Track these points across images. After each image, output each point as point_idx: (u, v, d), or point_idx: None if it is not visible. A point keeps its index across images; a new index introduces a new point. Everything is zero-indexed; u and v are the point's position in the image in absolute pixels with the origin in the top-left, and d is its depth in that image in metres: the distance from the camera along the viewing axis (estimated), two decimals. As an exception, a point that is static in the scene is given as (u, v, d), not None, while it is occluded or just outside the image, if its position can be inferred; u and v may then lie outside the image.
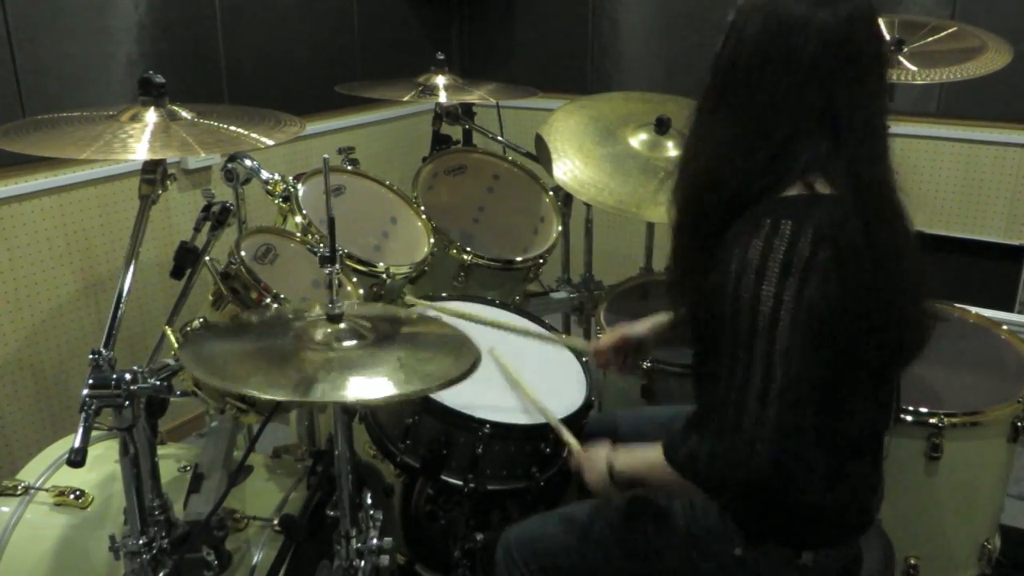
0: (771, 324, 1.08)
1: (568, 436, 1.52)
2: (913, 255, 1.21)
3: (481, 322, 1.81)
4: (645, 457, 1.29)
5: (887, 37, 1.22)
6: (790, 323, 1.08)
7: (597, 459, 1.36)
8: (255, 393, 1.14)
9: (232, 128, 1.49)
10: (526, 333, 1.89)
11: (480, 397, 1.67)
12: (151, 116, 1.45)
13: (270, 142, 1.47)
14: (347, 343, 1.26)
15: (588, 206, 2.55)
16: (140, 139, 1.38)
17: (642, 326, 1.63)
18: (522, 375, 1.76)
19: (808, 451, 1.13)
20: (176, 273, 1.69)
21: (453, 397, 1.61)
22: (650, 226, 2.62)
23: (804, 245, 1.09)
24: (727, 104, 1.19)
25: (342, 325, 1.29)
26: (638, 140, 2.26)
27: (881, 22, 1.20)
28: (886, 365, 1.25)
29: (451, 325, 1.42)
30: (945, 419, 1.69)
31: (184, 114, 1.49)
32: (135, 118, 1.44)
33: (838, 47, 1.12)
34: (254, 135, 1.48)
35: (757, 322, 1.09)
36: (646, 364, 1.87)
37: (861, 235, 1.12)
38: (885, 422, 1.29)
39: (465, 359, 1.24)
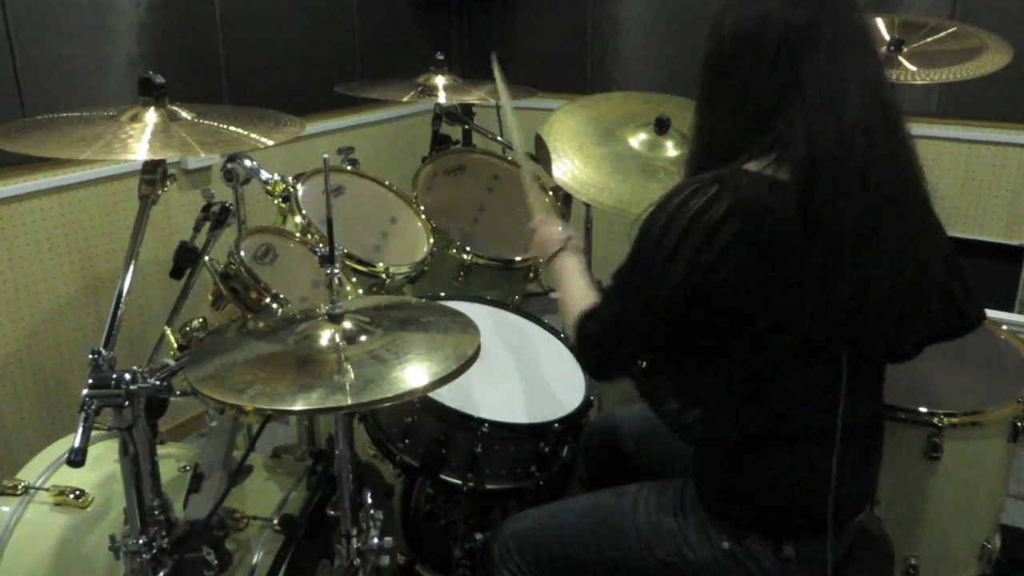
0: (665, 266, 1.19)
1: (536, 201, 1.72)
2: (886, 253, 1.19)
3: None
4: (573, 282, 1.49)
5: (866, 21, 1.27)
6: (677, 272, 1.18)
7: (551, 239, 1.58)
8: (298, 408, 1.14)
9: (232, 128, 1.49)
10: None
11: (479, 396, 1.67)
12: (151, 116, 1.45)
13: (270, 142, 1.47)
14: (363, 338, 1.28)
15: (588, 206, 2.55)
16: (140, 139, 1.38)
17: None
18: (521, 370, 1.76)
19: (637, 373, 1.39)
20: (176, 273, 1.69)
21: (452, 396, 1.61)
22: (650, 226, 2.61)
23: (715, 212, 1.15)
24: (710, 91, 1.28)
25: (348, 324, 1.29)
26: (638, 140, 2.25)
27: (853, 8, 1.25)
28: (783, 360, 1.24)
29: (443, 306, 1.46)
30: (945, 419, 1.69)
31: (184, 114, 1.49)
32: (135, 118, 1.44)
33: (802, 31, 1.19)
34: (254, 135, 1.48)
35: (649, 258, 1.21)
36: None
37: (791, 224, 1.15)
38: (795, 417, 1.27)
39: (472, 332, 1.30)
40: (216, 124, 1.49)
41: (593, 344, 1.33)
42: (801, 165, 1.15)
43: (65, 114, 1.49)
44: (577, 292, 1.45)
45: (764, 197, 1.15)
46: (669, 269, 1.19)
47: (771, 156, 1.18)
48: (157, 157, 1.39)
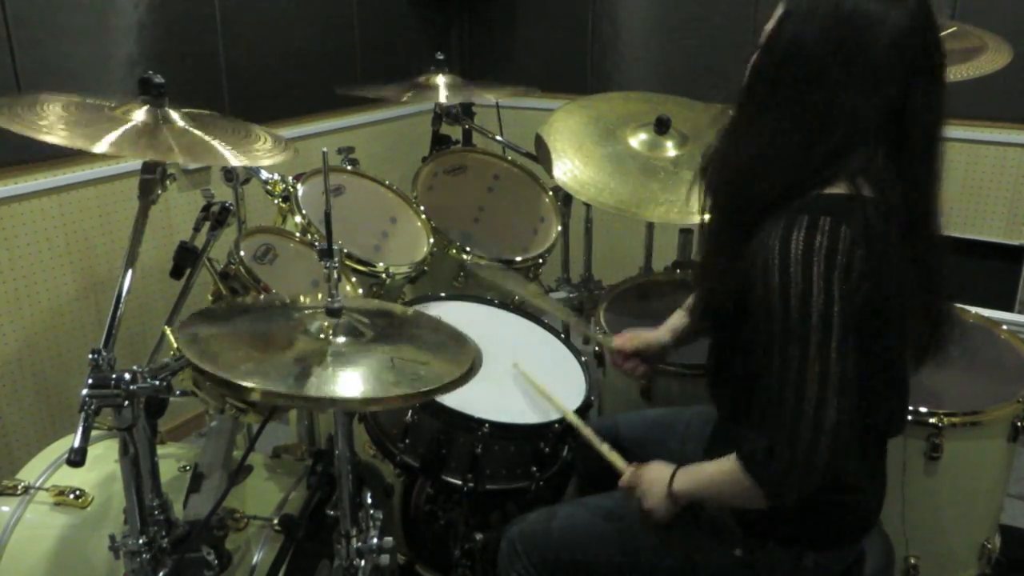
0: (824, 316, 1.07)
1: (616, 459, 1.45)
2: (942, 257, 1.26)
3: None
4: (705, 469, 1.25)
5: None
6: (841, 316, 1.08)
7: (656, 480, 1.31)
8: (245, 384, 1.11)
9: (215, 143, 1.43)
10: (543, 310, 1.94)
11: (479, 396, 1.67)
12: (140, 114, 1.40)
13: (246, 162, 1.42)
14: (341, 338, 1.26)
15: (588, 206, 2.55)
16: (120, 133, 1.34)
17: (663, 331, 1.64)
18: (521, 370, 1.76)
19: (851, 449, 1.14)
20: (176, 273, 1.69)
21: (452, 396, 1.61)
22: (650, 226, 2.62)
23: (844, 242, 1.08)
24: (782, 98, 1.15)
25: (341, 319, 1.29)
26: (638, 140, 2.26)
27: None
28: (900, 364, 1.27)
29: (452, 327, 1.42)
30: (945, 419, 1.69)
31: (178, 121, 1.45)
32: (127, 113, 1.41)
33: (908, 49, 1.11)
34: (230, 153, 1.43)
35: (810, 313, 1.07)
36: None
37: (895, 238, 1.14)
38: (901, 419, 1.33)
39: (462, 363, 1.25)
40: (204, 137, 1.43)
41: (791, 471, 1.11)
42: (900, 197, 1.16)
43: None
44: (716, 472, 1.23)
45: (874, 221, 1.11)
46: (825, 316, 1.07)
47: (851, 180, 1.13)
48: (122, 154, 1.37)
